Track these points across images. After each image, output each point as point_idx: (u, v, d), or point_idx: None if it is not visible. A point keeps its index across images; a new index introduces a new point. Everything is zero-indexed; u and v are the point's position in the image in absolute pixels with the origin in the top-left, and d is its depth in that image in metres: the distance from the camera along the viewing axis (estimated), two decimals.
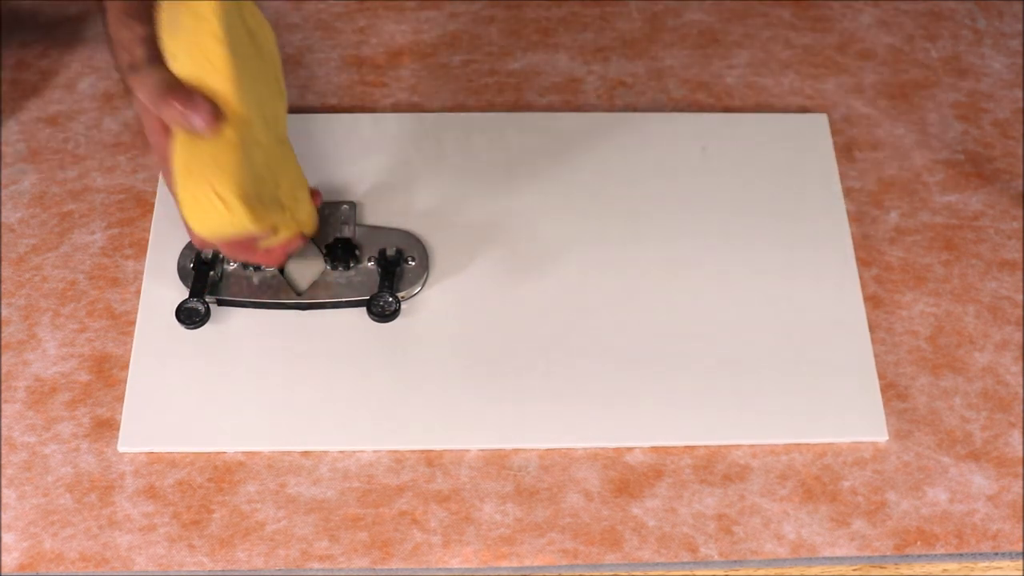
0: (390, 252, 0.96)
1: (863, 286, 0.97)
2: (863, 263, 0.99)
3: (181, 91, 0.81)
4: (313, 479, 0.87)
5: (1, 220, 1.00)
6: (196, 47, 0.81)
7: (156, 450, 0.88)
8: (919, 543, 0.85)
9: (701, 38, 1.14)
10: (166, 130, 0.84)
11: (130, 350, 0.92)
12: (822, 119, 1.07)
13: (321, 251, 0.96)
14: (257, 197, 0.84)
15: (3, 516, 0.85)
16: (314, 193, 0.93)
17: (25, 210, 1.00)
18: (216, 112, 0.81)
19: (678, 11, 1.16)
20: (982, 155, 1.06)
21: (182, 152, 0.82)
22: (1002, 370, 0.93)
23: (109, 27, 0.88)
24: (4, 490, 0.86)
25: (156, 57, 0.83)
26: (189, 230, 0.86)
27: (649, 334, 0.94)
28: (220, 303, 0.94)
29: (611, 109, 1.08)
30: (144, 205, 1.01)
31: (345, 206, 0.99)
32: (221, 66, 0.81)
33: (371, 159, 1.03)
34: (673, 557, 0.85)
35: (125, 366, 0.92)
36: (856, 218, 1.01)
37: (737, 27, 1.15)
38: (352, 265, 0.95)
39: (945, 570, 0.86)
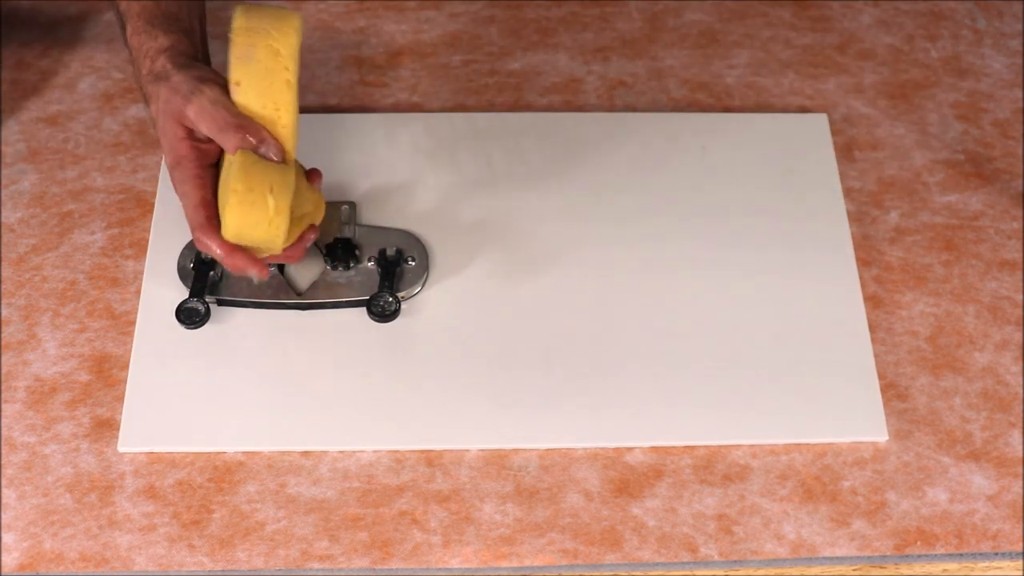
0: (390, 252, 0.96)
1: (863, 286, 0.97)
2: (863, 263, 0.99)
3: (252, 125, 0.84)
4: (313, 479, 0.87)
5: (1, 220, 0.99)
6: (269, 87, 0.85)
7: (156, 450, 0.88)
8: (919, 543, 0.85)
9: (701, 38, 1.14)
10: (189, 136, 0.86)
11: (130, 350, 0.92)
12: (822, 119, 1.07)
13: (321, 251, 0.96)
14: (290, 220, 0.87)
15: (3, 516, 0.85)
16: (312, 175, 0.91)
17: (25, 210, 1.00)
18: (283, 148, 0.85)
19: (678, 11, 1.16)
20: (982, 155, 1.06)
21: (246, 157, 0.84)
22: (1002, 370, 0.93)
23: (130, 37, 0.89)
24: (4, 490, 0.86)
25: (181, 66, 0.86)
26: (208, 229, 0.86)
27: (649, 334, 0.94)
28: (220, 303, 0.94)
29: (611, 109, 1.08)
30: (144, 205, 1.01)
31: (345, 206, 0.99)
32: (286, 115, 0.86)
33: (371, 159, 1.03)
34: (673, 557, 0.85)
35: (125, 366, 0.92)
36: (856, 218, 1.01)
37: (737, 27, 1.15)
38: (352, 265, 0.95)
39: (945, 570, 0.86)
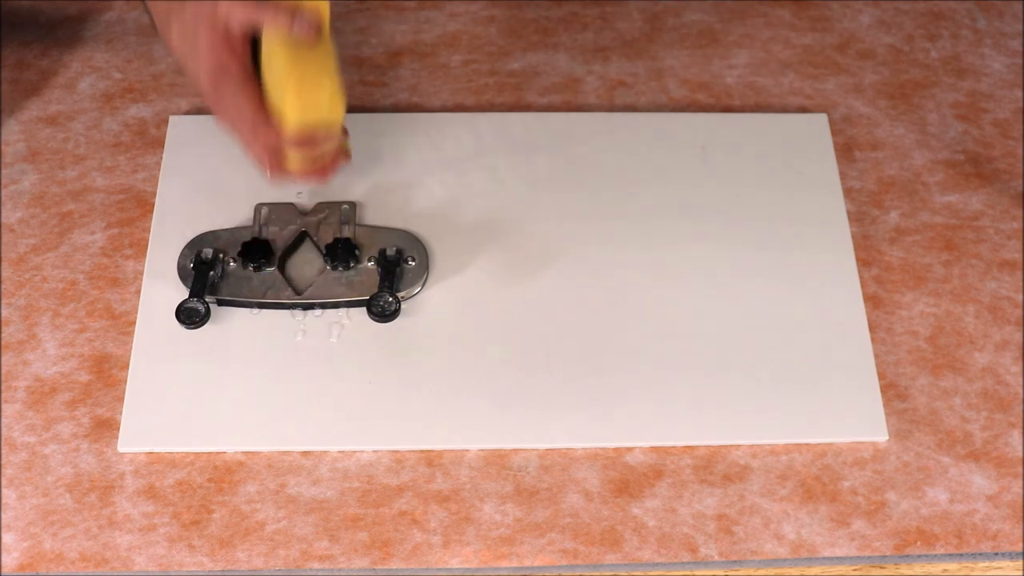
0: (390, 252, 0.96)
1: (863, 286, 0.97)
2: (863, 263, 0.99)
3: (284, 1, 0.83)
4: (313, 479, 0.87)
5: (1, 220, 1.00)
6: None
7: (156, 450, 0.88)
8: (919, 543, 0.85)
9: (701, 38, 1.14)
10: (228, 37, 0.85)
11: (130, 350, 0.92)
12: (822, 119, 1.07)
13: (321, 251, 0.96)
14: None
15: (3, 516, 0.85)
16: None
17: (25, 210, 1.00)
18: (318, 23, 0.85)
19: (678, 11, 1.16)
20: (982, 155, 1.06)
21: (286, 50, 0.85)
22: (1002, 370, 0.93)
23: None
24: (4, 490, 0.86)
25: None
26: (264, 129, 0.87)
27: (649, 334, 0.94)
28: (220, 303, 0.94)
29: (611, 109, 1.08)
30: (144, 205, 1.01)
31: (345, 206, 0.99)
32: None
33: (371, 159, 1.03)
34: (673, 557, 0.85)
35: (125, 366, 0.92)
36: (856, 218, 1.01)
37: (737, 27, 1.15)
38: (352, 265, 0.95)
39: (945, 570, 0.86)
